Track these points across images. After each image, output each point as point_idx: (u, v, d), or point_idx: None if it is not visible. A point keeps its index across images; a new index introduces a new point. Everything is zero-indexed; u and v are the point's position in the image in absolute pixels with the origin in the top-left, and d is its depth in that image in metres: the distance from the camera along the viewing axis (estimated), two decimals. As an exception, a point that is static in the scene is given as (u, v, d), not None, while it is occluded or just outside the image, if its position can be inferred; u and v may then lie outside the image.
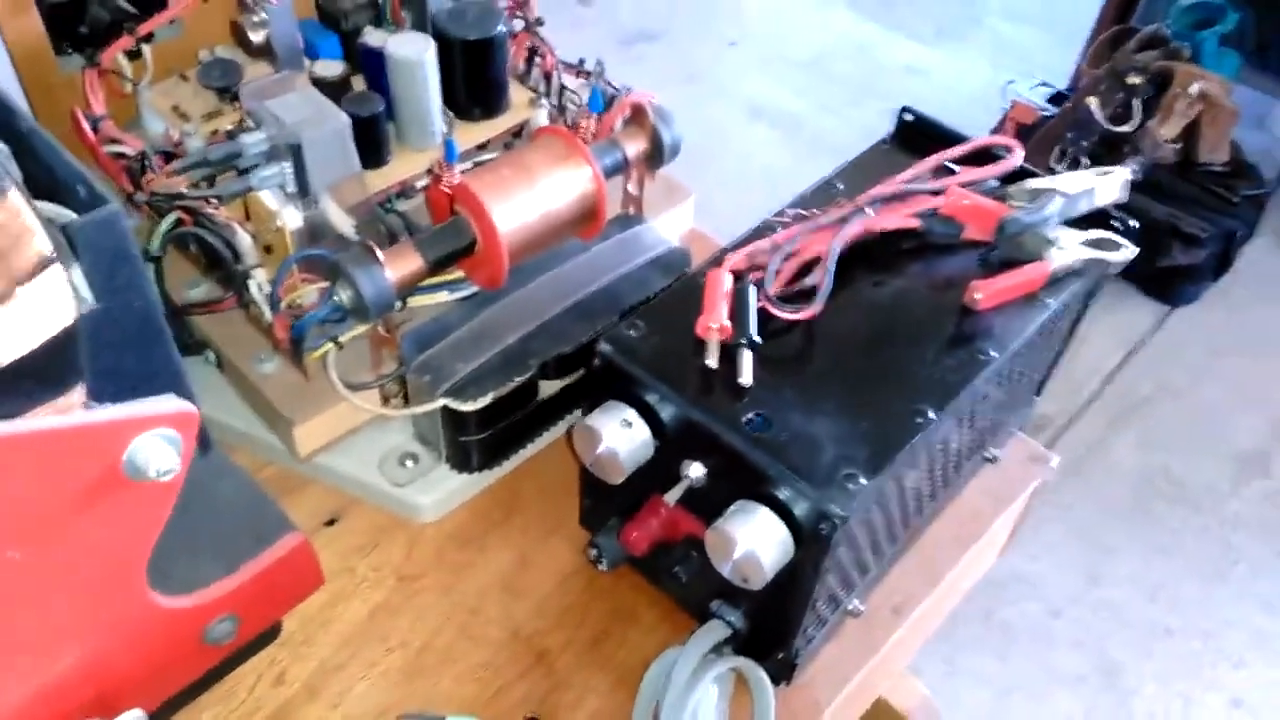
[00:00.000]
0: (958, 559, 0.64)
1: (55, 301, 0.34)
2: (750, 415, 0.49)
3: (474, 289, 0.65)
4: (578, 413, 0.68)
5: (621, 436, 0.51)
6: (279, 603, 0.51)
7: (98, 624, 0.42)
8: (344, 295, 0.55)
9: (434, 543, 0.63)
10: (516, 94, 0.74)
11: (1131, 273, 1.97)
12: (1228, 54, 1.95)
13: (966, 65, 2.50)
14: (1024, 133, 1.98)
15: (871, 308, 0.55)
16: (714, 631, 0.55)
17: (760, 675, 0.54)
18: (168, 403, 0.38)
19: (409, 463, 0.64)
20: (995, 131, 2.08)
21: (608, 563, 0.58)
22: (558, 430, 0.68)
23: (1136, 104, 1.82)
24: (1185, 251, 1.90)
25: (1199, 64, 1.83)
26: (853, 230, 0.55)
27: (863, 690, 0.60)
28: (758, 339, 0.51)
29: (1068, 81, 2.09)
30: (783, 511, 0.48)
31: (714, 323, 0.51)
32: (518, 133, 0.74)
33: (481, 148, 0.72)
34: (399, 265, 0.56)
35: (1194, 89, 1.78)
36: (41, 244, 0.33)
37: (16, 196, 0.32)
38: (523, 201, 0.59)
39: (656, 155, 0.66)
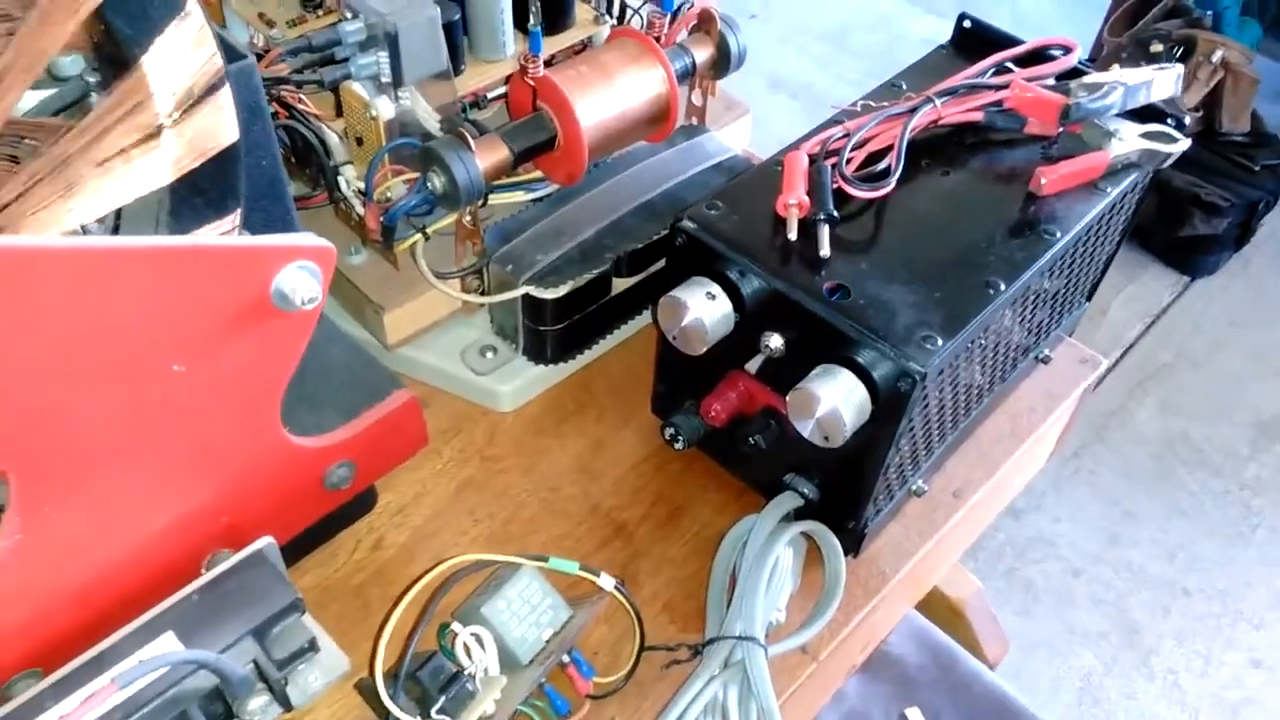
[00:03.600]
0: (1013, 451, 0.66)
1: (223, 119, 0.37)
2: (829, 284, 0.52)
3: (548, 189, 0.67)
4: (645, 313, 0.71)
5: (706, 308, 0.54)
6: (390, 454, 0.54)
7: (236, 454, 0.45)
8: (436, 182, 0.58)
9: (513, 429, 0.66)
10: (581, 11, 0.76)
11: (1152, 241, 2.00)
12: (1249, 24, 1.97)
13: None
14: None
15: (940, 193, 0.58)
16: (787, 501, 0.58)
17: (832, 538, 0.57)
18: (309, 237, 0.41)
19: (489, 354, 0.67)
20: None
21: (684, 440, 0.60)
22: (625, 330, 0.71)
23: (1159, 72, 1.84)
24: (1206, 221, 1.92)
25: (1220, 33, 1.86)
26: (922, 119, 0.58)
27: (923, 569, 0.63)
28: (835, 214, 0.54)
29: (1088, 50, 2.12)
30: (861, 374, 0.51)
31: (793, 199, 0.54)
32: (580, 49, 0.77)
33: (548, 63, 0.74)
34: (487, 154, 0.59)
35: (1216, 56, 1.80)
36: (218, 61, 0.35)
37: (199, 13, 0.34)
38: (602, 99, 0.62)
39: (723, 63, 0.69)
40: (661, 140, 0.68)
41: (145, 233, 0.38)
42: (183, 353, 0.39)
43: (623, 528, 0.61)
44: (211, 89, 0.35)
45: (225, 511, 0.46)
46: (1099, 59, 1.95)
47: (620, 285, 0.67)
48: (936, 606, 0.89)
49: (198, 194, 0.37)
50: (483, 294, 0.66)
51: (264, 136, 0.45)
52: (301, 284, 0.41)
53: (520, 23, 0.72)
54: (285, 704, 0.44)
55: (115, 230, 0.39)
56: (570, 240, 0.65)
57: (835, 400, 0.50)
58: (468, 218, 0.63)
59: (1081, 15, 2.32)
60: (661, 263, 0.68)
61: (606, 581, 0.52)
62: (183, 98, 0.35)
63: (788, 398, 0.52)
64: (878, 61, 2.46)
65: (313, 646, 0.46)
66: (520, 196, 0.66)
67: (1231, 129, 1.90)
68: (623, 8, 0.77)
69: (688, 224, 0.55)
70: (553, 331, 0.65)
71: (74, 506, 0.40)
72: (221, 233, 0.39)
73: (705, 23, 0.68)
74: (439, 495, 0.61)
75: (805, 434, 0.52)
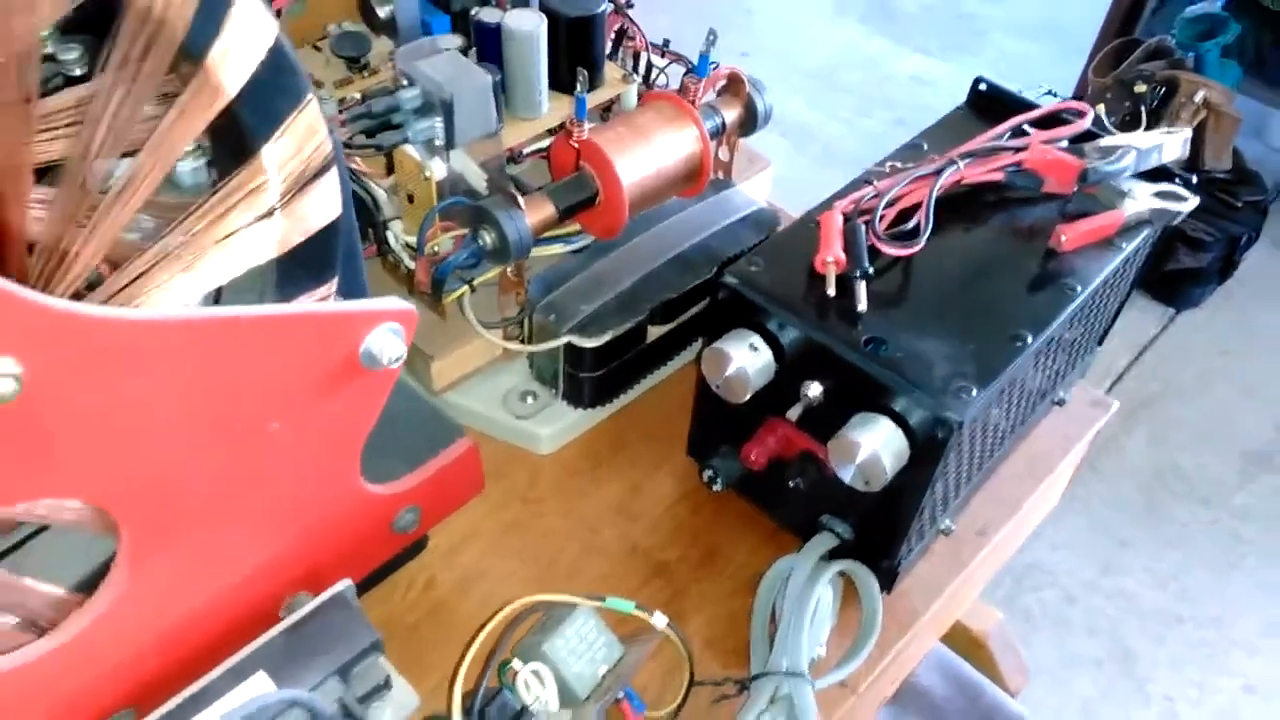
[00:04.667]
0: (1032, 491, 0.69)
1: (330, 197, 0.40)
2: (867, 337, 0.55)
3: (586, 241, 0.70)
4: (677, 359, 0.74)
5: (749, 358, 0.57)
6: (452, 499, 0.57)
7: (319, 503, 0.47)
8: (487, 238, 0.61)
9: (552, 472, 0.68)
10: (609, 70, 0.80)
11: (1138, 276, 2.05)
12: (1229, 65, 2.03)
13: (973, 75, 2.57)
14: None
15: (966, 250, 0.61)
16: (824, 541, 0.61)
17: (870, 577, 0.60)
18: (396, 301, 0.44)
19: (529, 399, 0.69)
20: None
21: (722, 481, 0.63)
22: (658, 375, 0.74)
23: (1143, 112, 1.90)
24: (1191, 255, 1.97)
25: (1202, 74, 1.92)
26: (948, 178, 0.61)
27: (950, 604, 0.66)
28: (870, 271, 0.57)
29: (1073, 90, 2.18)
30: (899, 422, 0.54)
31: (830, 256, 0.57)
32: (608, 107, 0.80)
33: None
34: (535, 212, 0.62)
35: (1199, 96, 1.86)
36: (328, 144, 0.38)
37: (314, 102, 0.37)
38: (640, 158, 0.65)
39: (750, 121, 0.72)
40: (694, 195, 0.71)
41: (250, 301, 0.41)
42: (280, 411, 0.42)
43: (663, 567, 0.64)
44: (323, 169, 0.38)
45: (305, 557, 0.49)
46: (1084, 99, 2.01)
47: (654, 333, 0.71)
48: (959, 638, 0.92)
49: (300, 265, 0.40)
50: (523, 342, 0.69)
51: (347, 200, 0.48)
52: (388, 345, 0.44)
53: (554, 83, 0.76)
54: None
55: (217, 299, 0.42)
56: (609, 291, 0.68)
57: (875, 446, 0.53)
58: (512, 271, 0.66)
59: (1066, 56, 2.39)
60: (695, 310, 0.72)
61: (659, 620, 0.55)
62: (296, 179, 0.38)
63: (829, 444, 0.55)
64: (866, 100, 2.52)
65: (387, 684, 0.48)
66: (559, 249, 0.69)
67: (1214, 166, 1.96)
68: (649, 67, 0.81)
69: (730, 279, 0.58)
70: (592, 378, 0.68)
71: (176, 557, 0.43)
72: (319, 299, 0.42)
73: (734, 84, 0.72)
74: (486, 537, 0.64)
75: (846, 479, 0.54)
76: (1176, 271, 1.98)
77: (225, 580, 0.46)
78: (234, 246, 0.38)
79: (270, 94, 0.36)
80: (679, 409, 0.67)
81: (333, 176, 0.39)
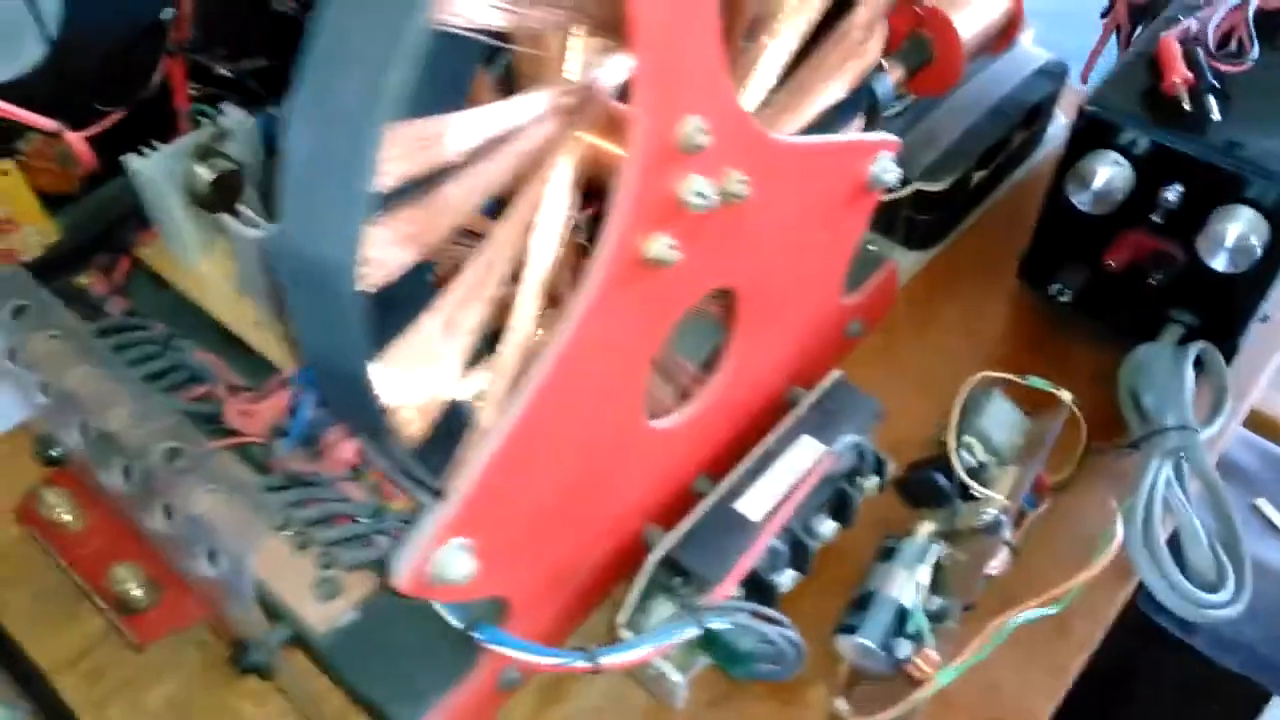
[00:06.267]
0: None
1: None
2: (1225, 140, 0.65)
3: (905, 103, 0.80)
4: (988, 200, 0.84)
5: (1115, 172, 0.67)
6: (880, 311, 0.69)
7: (821, 306, 0.59)
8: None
9: (900, 305, 0.79)
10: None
11: None
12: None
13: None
14: (1136, 12, 2.06)
15: (1284, 64, 0.70)
16: (1174, 332, 0.71)
17: (1218, 355, 0.70)
18: (889, 136, 0.55)
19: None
20: (1106, 12, 2.18)
21: (1071, 292, 0.73)
22: (972, 217, 0.84)
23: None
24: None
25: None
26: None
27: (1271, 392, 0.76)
28: (1217, 85, 0.66)
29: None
30: (1258, 208, 0.63)
31: (1178, 77, 0.66)
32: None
33: None
34: (892, 73, 0.72)
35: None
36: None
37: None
38: (972, 16, 0.75)
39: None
40: (1002, 51, 0.81)
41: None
42: (824, 224, 0.53)
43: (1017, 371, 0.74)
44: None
45: (803, 354, 0.60)
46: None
47: (974, 178, 0.81)
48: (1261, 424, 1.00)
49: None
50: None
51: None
52: (887, 170, 0.54)
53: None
54: (880, 488, 0.58)
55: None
56: (943, 142, 0.78)
57: (1243, 230, 0.63)
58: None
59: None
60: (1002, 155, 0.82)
61: (1065, 395, 0.65)
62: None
63: (1200, 235, 0.64)
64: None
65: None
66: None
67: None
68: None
69: (1090, 108, 0.67)
70: (931, 220, 0.79)
71: (758, 344, 0.55)
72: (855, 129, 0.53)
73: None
74: (864, 361, 0.75)
75: (1219, 266, 0.64)
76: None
77: (770, 369, 0.58)
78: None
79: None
80: (996, 244, 0.77)
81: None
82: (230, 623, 0.52)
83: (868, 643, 0.54)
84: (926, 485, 0.61)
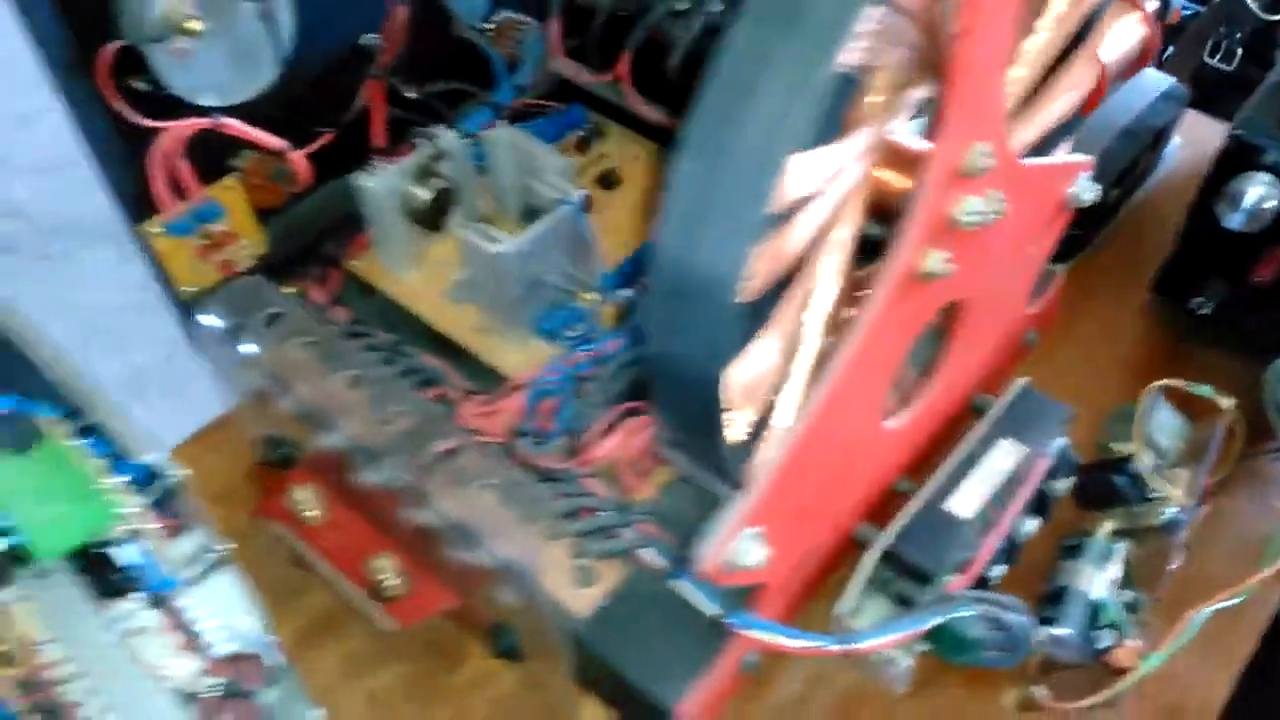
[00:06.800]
0: None
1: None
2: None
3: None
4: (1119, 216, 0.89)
5: (1266, 190, 0.71)
6: (1049, 322, 0.73)
7: (1009, 315, 0.63)
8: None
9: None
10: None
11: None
12: None
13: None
14: (1169, 33, 2.10)
15: None
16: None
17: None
18: (1080, 157, 0.59)
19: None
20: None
21: (1211, 306, 0.77)
22: (1102, 233, 0.88)
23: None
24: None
25: None
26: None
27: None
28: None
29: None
30: None
31: (1324, 103, 0.71)
32: None
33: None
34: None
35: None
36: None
37: None
38: (1111, 41, 0.79)
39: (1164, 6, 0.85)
40: (1132, 75, 0.85)
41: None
42: (1034, 239, 0.57)
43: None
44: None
45: (990, 361, 0.64)
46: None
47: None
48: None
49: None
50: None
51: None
52: (1087, 189, 0.58)
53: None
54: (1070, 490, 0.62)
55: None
56: (1083, 162, 0.82)
57: None
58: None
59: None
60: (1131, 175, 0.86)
61: (1227, 402, 0.69)
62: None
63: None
64: None
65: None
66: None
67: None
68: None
69: (1238, 131, 0.72)
70: (1075, 235, 0.82)
71: (968, 351, 0.59)
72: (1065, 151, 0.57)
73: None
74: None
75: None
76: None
77: (970, 374, 0.62)
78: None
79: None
80: (1124, 258, 0.83)
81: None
82: (478, 610, 0.55)
83: (1069, 633, 0.58)
84: (1106, 486, 0.65)
